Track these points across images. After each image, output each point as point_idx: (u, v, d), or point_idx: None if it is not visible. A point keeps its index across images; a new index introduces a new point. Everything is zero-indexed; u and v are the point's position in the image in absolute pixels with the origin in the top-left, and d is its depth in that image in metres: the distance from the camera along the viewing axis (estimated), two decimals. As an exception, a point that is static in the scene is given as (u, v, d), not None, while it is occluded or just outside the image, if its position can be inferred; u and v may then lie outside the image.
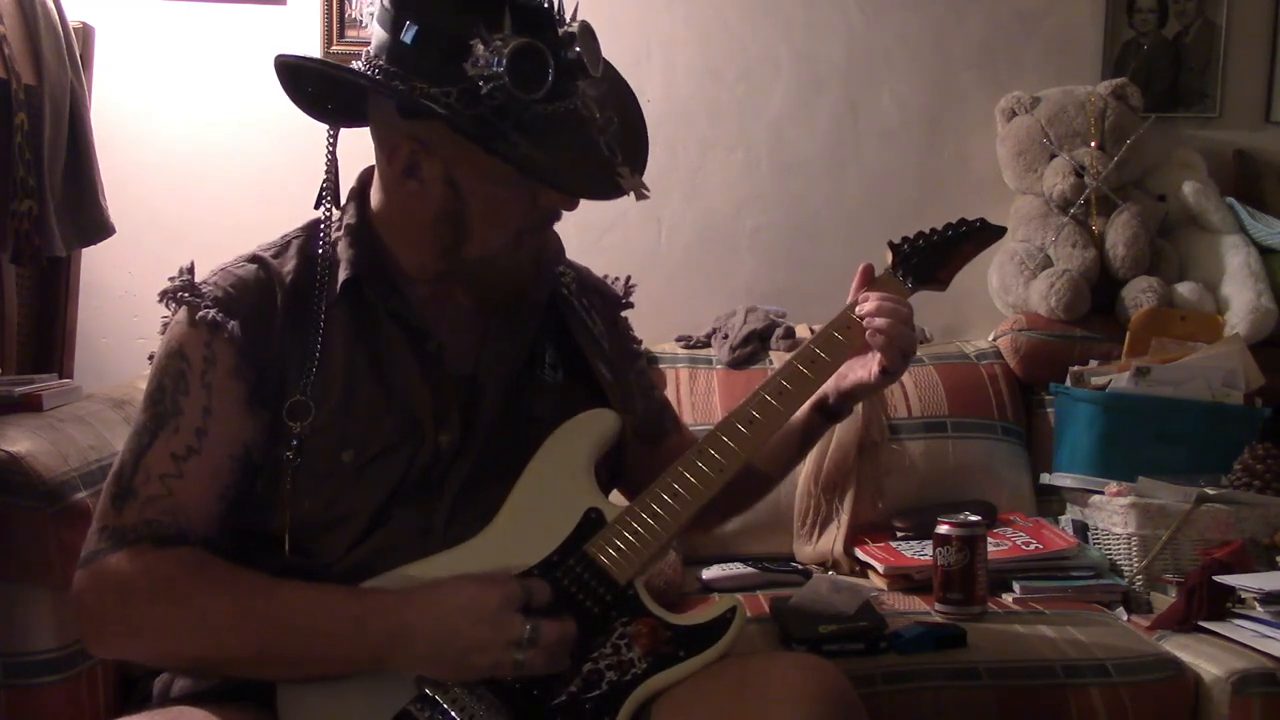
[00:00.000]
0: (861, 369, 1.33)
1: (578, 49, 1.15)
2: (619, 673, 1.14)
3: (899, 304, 1.30)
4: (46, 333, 2.09)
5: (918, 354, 1.60)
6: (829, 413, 1.38)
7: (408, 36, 1.14)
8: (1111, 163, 2.31)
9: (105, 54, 2.23)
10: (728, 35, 2.45)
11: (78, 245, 2.04)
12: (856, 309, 1.31)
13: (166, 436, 1.15)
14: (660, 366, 2.17)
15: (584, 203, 1.21)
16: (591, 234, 2.34)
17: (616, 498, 1.33)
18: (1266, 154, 2.52)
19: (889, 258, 1.37)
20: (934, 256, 1.37)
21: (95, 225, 2.03)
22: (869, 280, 1.36)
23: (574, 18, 1.18)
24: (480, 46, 1.11)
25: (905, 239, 1.38)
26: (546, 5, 1.16)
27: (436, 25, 1.14)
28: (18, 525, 1.32)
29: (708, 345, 2.27)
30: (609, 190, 1.18)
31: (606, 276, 1.50)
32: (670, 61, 2.43)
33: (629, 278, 1.50)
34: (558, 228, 1.28)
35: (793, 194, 2.47)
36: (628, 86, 1.28)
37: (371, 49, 1.18)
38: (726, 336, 2.24)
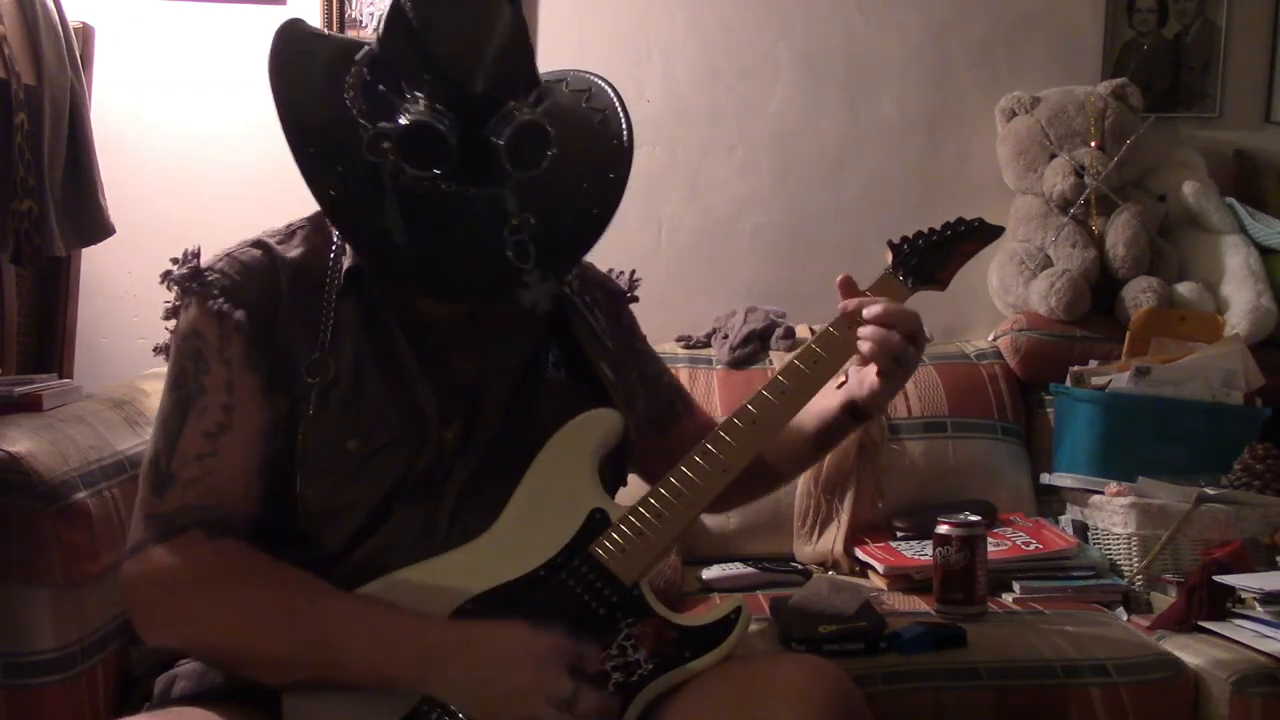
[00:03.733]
0: (872, 373, 1.31)
1: (509, 138, 1.11)
2: (625, 674, 1.14)
3: (891, 312, 1.26)
4: (46, 333, 2.09)
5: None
6: (857, 412, 1.36)
7: (369, 58, 1.16)
8: (1111, 163, 2.31)
9: (105, 54, 2.23)
10: (728, 35, 2.44)
11: (78, 245, 2.04)
12: (859, 313, 1.28)
13: (195, 417, 1.15)
14: (661, 366, 2.16)
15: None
16: (591, 234, 2.33)
17: (624, 494, 1.33)
18: (1266, 154, 2.53)
19: (889, 258, 1.37)
20: (933, 256, 1.36)
21: (95, 225, 2.03)
22: (850, 290, 1.31)
23: (539, 101, 1.15)
24: (399, 100, 1.11)
25: (905, 239, 1.37)
26: (482, 91, 1.11)
27: (384, 56, 1.15)
28: (17, 525, 1.32)
29: (708, 345, 2.27)
30: (489, 297, 1.16)
31: (610, 271, 1.49)
32: (670, 62, 2.42)
33: (633, 272, 1.49)
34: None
35: (793, 194, 2.47)
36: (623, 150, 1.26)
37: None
38: (726, 336, 2.24)
